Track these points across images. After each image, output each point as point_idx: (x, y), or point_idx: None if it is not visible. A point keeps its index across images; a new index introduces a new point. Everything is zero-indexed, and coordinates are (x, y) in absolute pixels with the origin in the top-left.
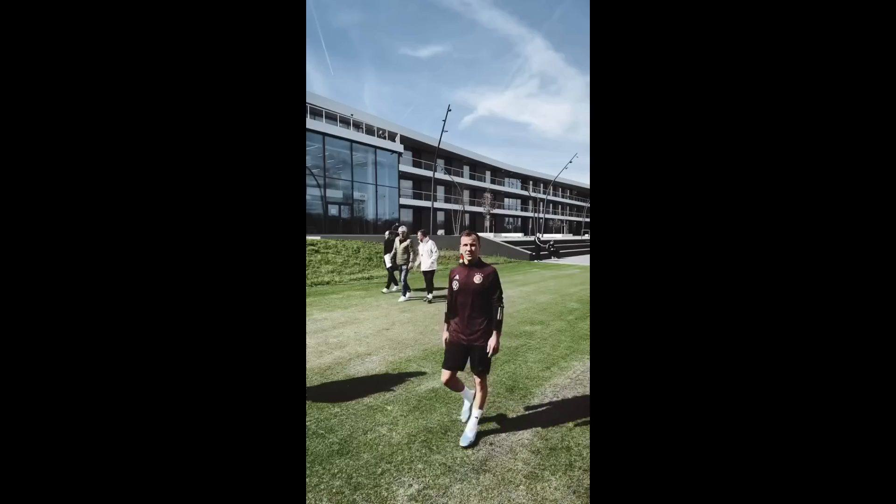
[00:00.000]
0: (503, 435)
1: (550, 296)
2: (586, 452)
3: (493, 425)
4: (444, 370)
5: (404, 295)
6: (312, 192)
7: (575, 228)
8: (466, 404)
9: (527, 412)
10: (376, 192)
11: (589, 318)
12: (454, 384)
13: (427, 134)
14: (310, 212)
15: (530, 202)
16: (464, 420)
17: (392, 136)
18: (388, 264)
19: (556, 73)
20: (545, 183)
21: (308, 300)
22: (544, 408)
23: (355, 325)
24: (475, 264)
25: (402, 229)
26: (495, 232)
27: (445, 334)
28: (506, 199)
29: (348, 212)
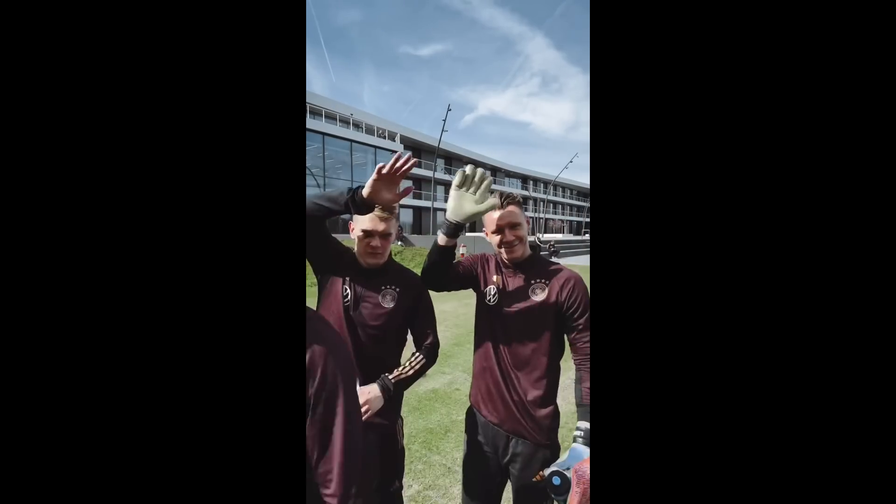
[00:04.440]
0: None
1: None
2: None
3: None
4: None
5: None
6: (312, 193)
7: (575, 228)
8: None
9: None
10: None
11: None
12: None
13: (427, 133)
14: None
15: (530, 202)
16: None
17: (392, 136)
18: None
19: (557, 72)
20: (545, 183)
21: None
22: None
23: None
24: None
25: None
26: None
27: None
28: None
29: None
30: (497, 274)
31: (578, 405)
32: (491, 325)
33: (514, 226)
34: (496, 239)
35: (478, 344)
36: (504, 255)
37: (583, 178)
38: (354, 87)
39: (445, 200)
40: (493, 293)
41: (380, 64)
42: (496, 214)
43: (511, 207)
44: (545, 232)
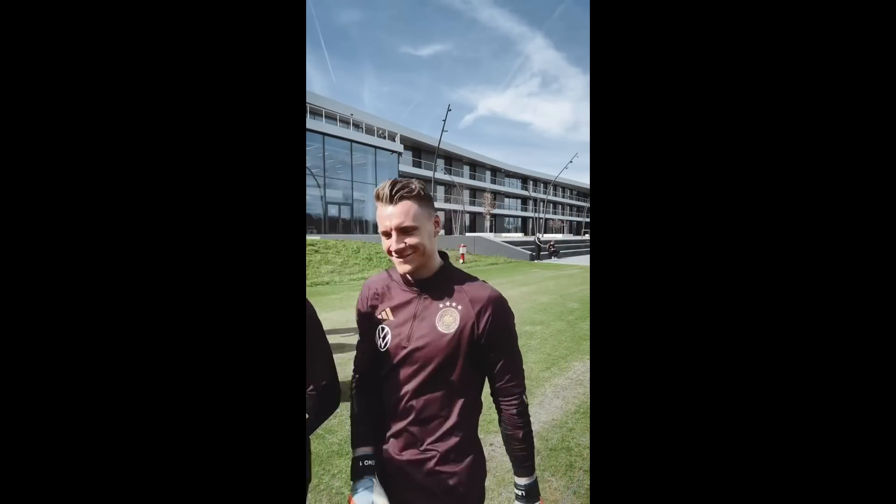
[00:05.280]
0: None
1: (550, 296)
2: (586, 452)
3: (492, 426)
4: None
5: None
6: (312, 193)
7: (575, 228)
8: None
9: None
10: None
11: (589, 319)
12: None
13: (427, 133)
14: (309, 212)
15: (530, 202)
16: None
17: (392, 136)
18: None
19: (557, 72)
20: (545, 183)
21: (308, 299)
22: (544, 408)
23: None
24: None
25: None
26: (495, 232)
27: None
28: (506, 199)
29: (348, 212)
30: (392, 299)
31: (512, 457)
32: (387, 373)
33: (405, 230)
34: (386, 244)
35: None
36: (398, 269)
37: (583, 178)
38: (354, 88)
39: (445, 200)
40: (383, 331)
41: (380, 64)
42: (388, 210)
43: (403, 203)
44: (545, 232)
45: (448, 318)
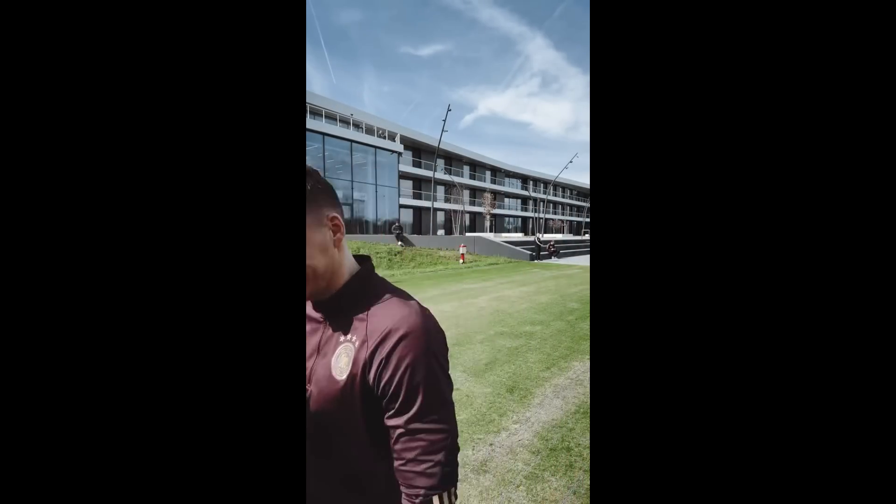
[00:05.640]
0: (503, 435)
1: (550, 296)
2: (586, 452)
3: (492, 426)
4: None
5: None
6: None
7: (575, 228)
8: None
9: (527, 412)
10: (376, 192)
11: (589, 319)
12: None
13: (427, 133)
14: None
15: (530, 202)
16: None
17: (392, 136)
18: None
19: (557, 72)
20: (545, 183)
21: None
22: (544, 408)
23: None
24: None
25: None
26: (495, 232)
27: None
28: (506, 199)
29: (348, 212)
30: (308, 322)
31: None
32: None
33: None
34: None
35: None
36: None
37: (583, 178)
38: (354, 88)
39: (445, 200)
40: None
41: (380, 64)
42: None
43: None
44: (545, 232)
45: (343, 360)
